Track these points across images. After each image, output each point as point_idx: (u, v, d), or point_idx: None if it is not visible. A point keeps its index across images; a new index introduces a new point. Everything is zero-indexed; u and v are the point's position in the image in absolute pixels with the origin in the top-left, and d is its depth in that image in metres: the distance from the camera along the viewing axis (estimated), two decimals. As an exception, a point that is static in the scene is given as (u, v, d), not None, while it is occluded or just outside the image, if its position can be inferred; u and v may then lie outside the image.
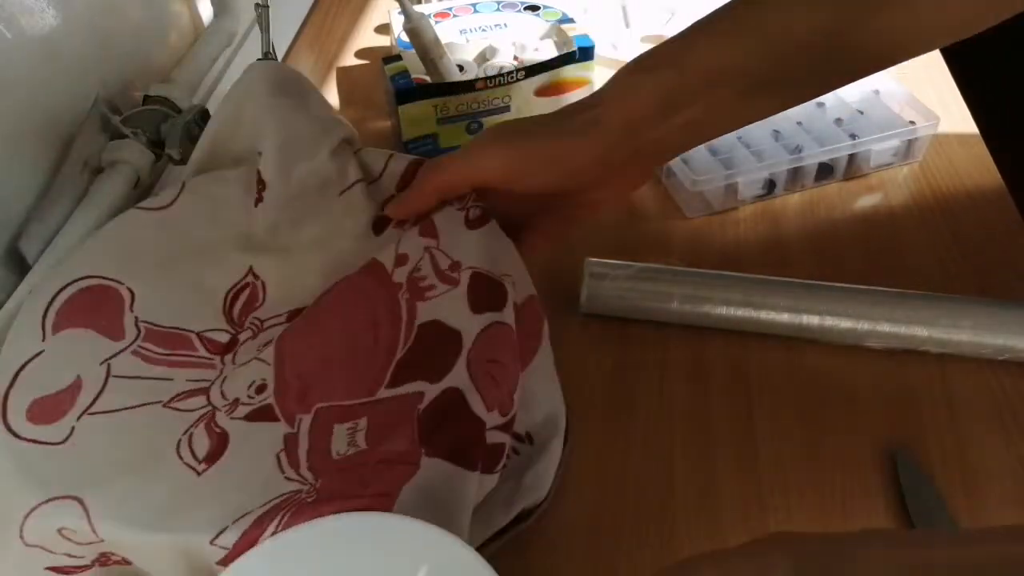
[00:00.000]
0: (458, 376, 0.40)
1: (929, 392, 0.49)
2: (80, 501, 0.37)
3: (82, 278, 0.46)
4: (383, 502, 0.36)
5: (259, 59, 0.56)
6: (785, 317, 0.51)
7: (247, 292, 0.49)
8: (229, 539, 0.36)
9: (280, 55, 0.79)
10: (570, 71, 0.67)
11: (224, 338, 0.47)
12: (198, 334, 0.47)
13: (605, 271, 0.53)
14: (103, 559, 0.38)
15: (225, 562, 0.35)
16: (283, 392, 0.43)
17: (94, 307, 0.45)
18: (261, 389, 0.44)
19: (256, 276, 0.50)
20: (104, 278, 0.46)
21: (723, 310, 0.51)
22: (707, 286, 0.52)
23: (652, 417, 0.48)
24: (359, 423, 0.41)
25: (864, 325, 0.50)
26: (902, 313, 0.50)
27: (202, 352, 0.46)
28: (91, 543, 0.37)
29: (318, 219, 0.51)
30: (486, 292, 0.43)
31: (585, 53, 0.67)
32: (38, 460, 0.39)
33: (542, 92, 0.68)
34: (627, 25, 0.82)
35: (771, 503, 0.44)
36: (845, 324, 0.50)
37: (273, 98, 0.52)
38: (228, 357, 0.46)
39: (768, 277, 0.52)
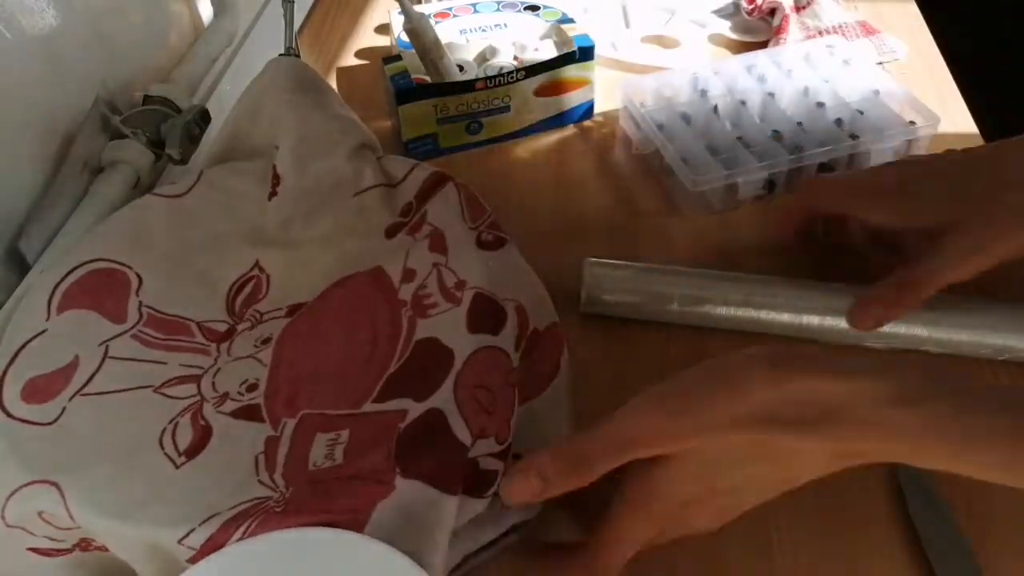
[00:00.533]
0: (443, 398, 0.40)
1: (929, 392, 0.49)
2: (57, 486, 0.37)
3: (93, 260, 0.46)
4: (351, 519, 0.36)
5: (281, 55, 0.56)
6: (785, 317, 0.51)
7: (251, 285, 0.50)
8: (196, 540, 0.36)
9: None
10: (570, 71, 0.67)
11: (222, 328, 0.48)
12: (198, 323, 0.47)
13: (605, 271, 0.53)
14: (84, 544, 0.38)
15: (194, 561, 0.36)
16: (273, 395, 0.44)
17: (101, 289, 0.46)
18: (252, 388, 0.44)
19: (262, 269, 0.50)
20: (114, 262, 0.47)
21: (723, 310, 0.51)
22: (707, 286, 0.52)
23: (652, 417, 0.48)
24: (341, 435, 0.41)
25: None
26: None
27: (199, 338, 0.47)
28: (70, 528, 0.37)
29: (330, 217, 0.51)
30: (485, 314, 0.44)
31: (585, 53, 0.67)
32: (25, 440, 0.39)
33: (542, 92, 0.68)
34: (627, 25, 0.82)
35: (770, 503, 0.44)
36: (845, 324, 0.50)
37: (293, 94, 0.52)
38: (224, 345, 0.47)
39: (768, 277, 0.52)
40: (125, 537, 0.37)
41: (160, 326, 0.46)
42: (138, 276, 0.47)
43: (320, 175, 0.51)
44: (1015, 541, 0.42)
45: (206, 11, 0.74)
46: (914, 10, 0.83)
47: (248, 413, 0.43)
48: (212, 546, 0.36)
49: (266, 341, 0.47)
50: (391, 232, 0.51)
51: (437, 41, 0.65)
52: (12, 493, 0.37)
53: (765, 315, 0.51)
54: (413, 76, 0.65)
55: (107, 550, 0.38)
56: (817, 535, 0.42)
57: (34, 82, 0.53)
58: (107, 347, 0.44)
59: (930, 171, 0.48)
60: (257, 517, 0.37)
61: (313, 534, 0.37)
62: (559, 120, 0.70)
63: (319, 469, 0.39)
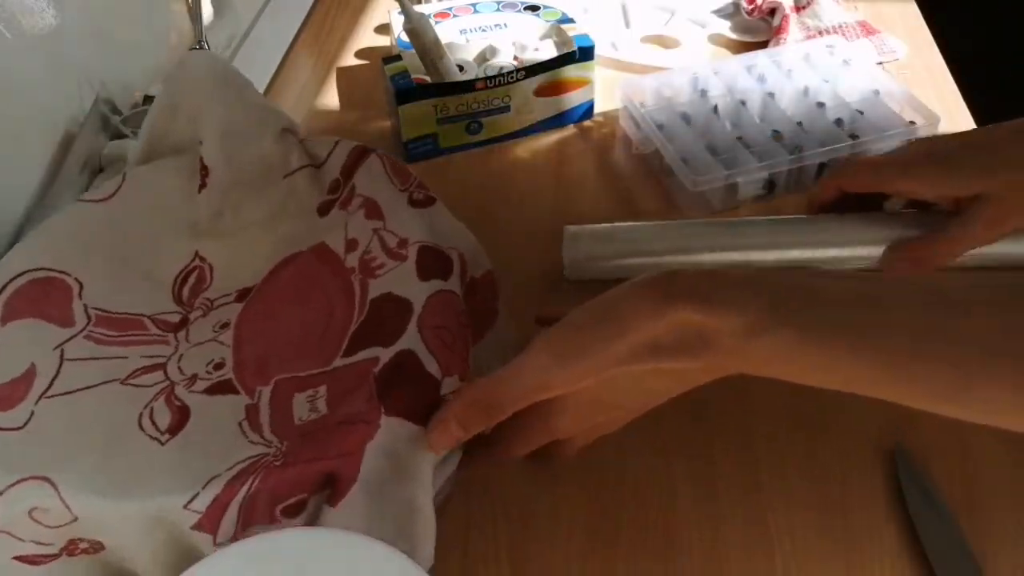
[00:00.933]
0: (410, 339, 0.42)
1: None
2: (48, 480, 0.37)
3: (27, 271, 0.46)
4: (346, 462, 0.38)
5: (192, 48, 0.56)
6: (773, 256, 0.51)
7: (195, 275, 0.51)
8: (202, 503, 0.37)
9: (280, 55, 0.79)
10: (570, 71, 0.68)
11: (175, 318, 0.48)
12: (150, 317, 0.48)
13: (582, 233, 0.53)
14: (71, 547, 0.38)
15: (199, 527, 0.36)
16: (242, 370, 0.45)
17: (41, 298, 0.45)
18: (219, 366, 0.45)
19: (203, 259, 0.51)
20: (50, 270, 0.47)
21: (709, 256, 0.51)
22: (689, 235, 0.52)
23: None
24: (319, 391, 0.42)
25: (860, 251, 0.50)
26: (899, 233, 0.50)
27: (154, 331, 0.47)
28: (61, 526, 0.37)
29: (262, 202, 0.52)
30: (433, 262, 0.46)
31: (585, 53, 0.67)
32: (2, 445, 0.39)
33: (542, 92, 0.68)
34: (627, 25, 0.82)
35: (770, 499, 0.44)
36: (834, 253, 0.50)
37: (212, 87, 0.53)
38: (181, 334, 0.48)
39: (752, 219, 0.52)
40: (126, 515, 0.37)
41: (112, 324, 0.46)
42: (77, 281, 0.47)
43: (249, 162, 0.52)
44: (1015, 541, 0.42)
45: (206, 11, 0.74)
46: (914, 10, 0.83)
47: (221, 388, 0.44)
48: (218, 506, 0.36)
49: (224, 326, 0.48)
50: (323, 210, 0.52)
51: (437, 41, 0.65)
52: (0, 494, 0.37)
53: (753, 255, 0.51)
54: (413, 76, 0.65)
55: (95, 550, 0.38)
56: (817, 535, 0.42)
57: (34, 82, 0.53)
58: (62, 350, 0.44)
59: (959, 143, 0.49)
60: (258, 473, 0.37)
61: (313, 534, 0.37)
62: (559, 120, 0.70)
63: (307, 422, 0.41)
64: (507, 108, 0.67)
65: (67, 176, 0.54)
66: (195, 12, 0.58)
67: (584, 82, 0.69)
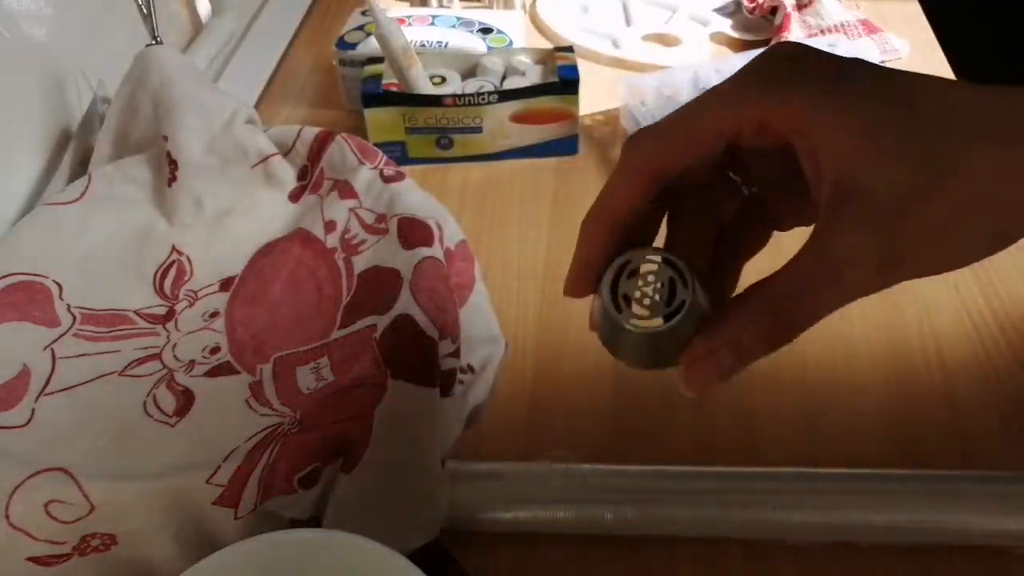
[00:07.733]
0: (405, 304, 0.43)
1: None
2: (64, 470, 0.37)
3: (4, 276, 0.46)
4: (359, 425, 0.39)
5: (148, 45, 0.55)
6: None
7: (174, 268, 0.51)
8: (224, 476, 0.37)
9: (279, 55, 0.79)
10: (548, 101, 0.63)
11: (161, 311, 0.49)
12: (135, 311, 0.48)
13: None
14: (83, 545, 0.38)
15: (221, 501, 0.37)
16: (239, 352, 0.46)
17: (23, 301, 0.45)
18: (215, 351, 0.46)
19: (180, 252, 0.51)
20: (27, 274, 0.46)
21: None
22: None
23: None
24: (320, 361, 0.44)
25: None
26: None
27: (142, 324, 0.48)
28: (77, 520, 0.37)
29: (233, 193, 0.52)
30: (414, 231, 0.47)
31: (567, 86, 0.63)
32: (9, 442, 0.39)
33: (518, 119, 0.64)
34: (628, 23, 0.81)
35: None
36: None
37: (177, 80, 0.53)
38: (170, 325, 0.48)
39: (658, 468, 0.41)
40: (148, 496, 0.37)
41: (99, 321, 0.47)
42: (56, 283, 0.47)
43: (216, 154, 0.52)
44: None
45: (204, 10, 0.74)
46: (916, 9, 0.83)
47: (221, 370, 0.45)
48: (240, 478, 0.37)
49: (214, 315, 0.48)
50: (295, 196, 0.53)
51: (407, 49, 0.62)
52: (16, 488, 0.37)
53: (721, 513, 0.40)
54: (385, 82, 0.63)
55: (107, 548, 0.38)
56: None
57: (32, 82, 0.53)
58: (52, 350, 0.44)
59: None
60: (277, 441, 0.38)
61: (313, 534, 0.36)
62: (539, 150, 0.66)
63: (316, 390, 0.42)
64: (479, 129, 0.64)
65: (64, 176, 0.54)
66: (148, 8, 0.57)
67: (565, 114, 0.64)
